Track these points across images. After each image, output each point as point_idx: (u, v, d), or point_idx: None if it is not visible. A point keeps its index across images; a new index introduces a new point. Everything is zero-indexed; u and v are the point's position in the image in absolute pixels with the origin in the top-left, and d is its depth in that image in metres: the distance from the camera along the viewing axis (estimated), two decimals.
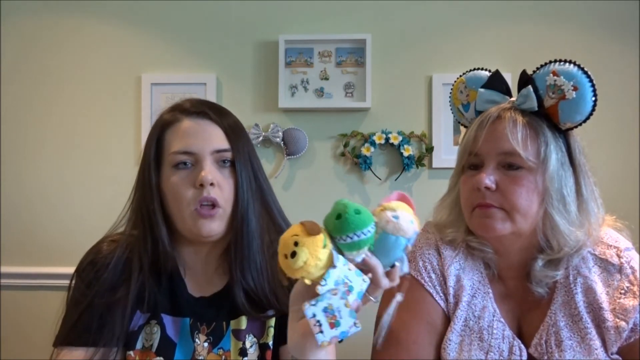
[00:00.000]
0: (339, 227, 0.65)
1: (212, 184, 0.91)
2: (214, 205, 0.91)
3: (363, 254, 0.67)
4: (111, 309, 0.91)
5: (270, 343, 0.96)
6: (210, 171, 0.91)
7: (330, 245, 0.66)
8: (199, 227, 0.91)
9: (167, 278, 0.97)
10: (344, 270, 0.65)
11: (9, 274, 2.03)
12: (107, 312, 0.91)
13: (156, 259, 0.95)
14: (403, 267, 0.71)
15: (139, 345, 0.94)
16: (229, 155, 0.94)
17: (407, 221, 0.68)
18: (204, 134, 0.94)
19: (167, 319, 0.95)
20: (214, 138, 0.94)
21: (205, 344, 0.95)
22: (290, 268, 0.64)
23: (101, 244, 0.99)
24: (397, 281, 0.71)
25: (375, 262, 0.68)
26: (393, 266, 0.70)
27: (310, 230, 0.64)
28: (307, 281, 0.65)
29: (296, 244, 0.64)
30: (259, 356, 0.95)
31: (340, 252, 0.66)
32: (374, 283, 0.68)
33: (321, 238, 0.65)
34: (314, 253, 0.64)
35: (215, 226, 0.92)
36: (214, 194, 0.91)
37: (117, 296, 0.92)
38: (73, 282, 0.97)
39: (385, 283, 0.69)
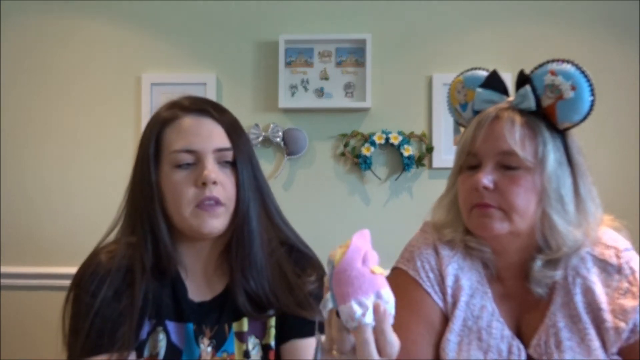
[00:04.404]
0: None
1: (214, 183, 0.90)
2: (217, 202, 0.91)
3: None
4: (120, 316, 0.89)
5: (273, 343, 0.95)
6: (212, 170, 0.90)
7: None
8: (200, 224, 0.90)
9: (169, 282, 0.95)
10: None
11: (9, 274, 2.03)
12: (117, 318, 0.89)
13: (158, 262, 0.94)
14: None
15: (146, 354, 0.92)
16: (230, 154, 0.93)
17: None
18: (206, 132, 0.93)
19: (171, 326, 0.94)
20: (216, 136, 0.93)
21: (209, 349, 0.94)
22: None
23: (97, 256, 0.96)
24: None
25: None
26: None
27: None
28: None
29: None
30: (262, 357, 0.95)
31: None
32: None
33: None
34: None
35: (217, 223, 0.91)
36: (216, 193, 0.90)
37: (123, 303, 0.90)
38: (72, 294, 0.95)
39: None
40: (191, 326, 0.94)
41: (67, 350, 0.92)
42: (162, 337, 0.93)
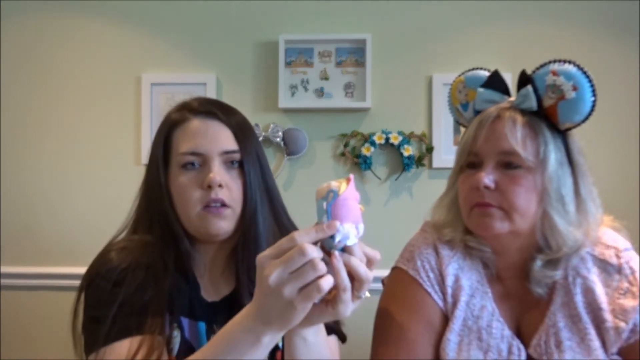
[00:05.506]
0: None
1: (220, 185, 0.90)
2: (223, 204, 0.90)
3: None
4: (148, 305, 0.87)
5: (280, 344, 0.95)
6: (218, 172, 0.90)
7: None
8: (207, 225, 0.90)
9: (185, 280, 0.95)
10: None
11: (9, 274, 2.03)
12: (143, 307, 0.87)
13: (177, 259, 0.93)
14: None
15: None
16: (237, 156, 0.93)
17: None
18: (212, 135, 0.93)
19: (185, 323, 0.93)
20: (223, 139, 0.93)
21: None
22: None
23: (108, 253, 0.94)
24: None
25: None
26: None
27: None
28: None
29: None
30: (269, 357, 0.95)
31: None
32: None
33: None
34: None
35: (224, 224, 0.91)
36: (222, 195, 0.90)
37: (149, 295, 0.88)
38: (92, 285, 0.91)
39: None
40: (203, 325, 0.94)
41: (87, 338, 0.88)
42: (176, 333, 0.92)
